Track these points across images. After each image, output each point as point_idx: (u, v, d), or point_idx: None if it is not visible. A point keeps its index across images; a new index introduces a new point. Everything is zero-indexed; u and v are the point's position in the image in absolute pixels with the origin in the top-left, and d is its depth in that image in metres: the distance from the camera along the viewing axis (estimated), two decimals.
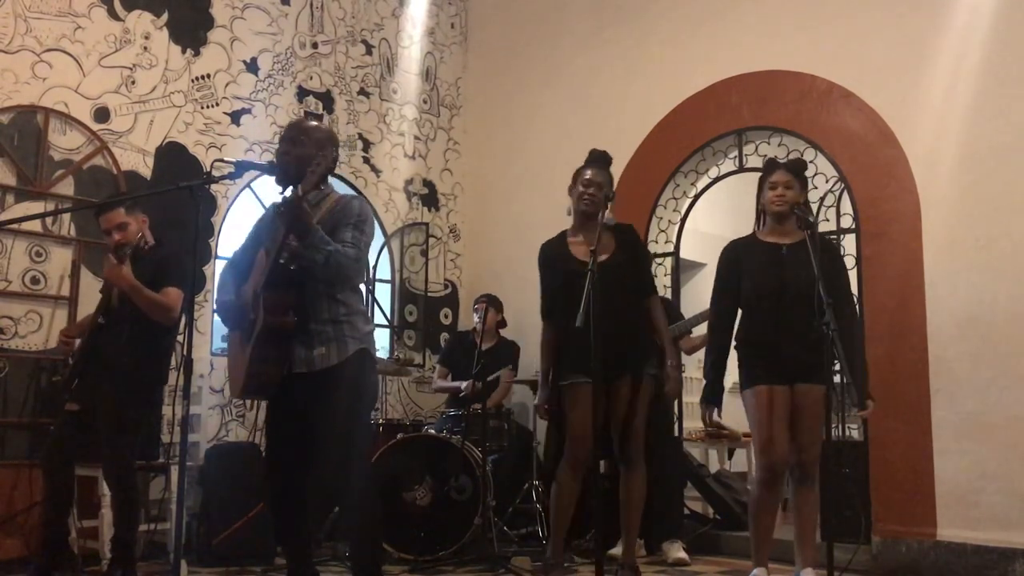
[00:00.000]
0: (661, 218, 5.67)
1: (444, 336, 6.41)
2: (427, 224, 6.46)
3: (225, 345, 5.35)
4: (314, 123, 3.59)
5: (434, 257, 6.52)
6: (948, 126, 4.54)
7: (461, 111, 6.79)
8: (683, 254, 5.74)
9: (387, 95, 6.31)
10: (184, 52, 5.27)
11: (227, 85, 5.43)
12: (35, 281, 4.61)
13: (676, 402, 5.37)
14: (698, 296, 6.06)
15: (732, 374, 3.80)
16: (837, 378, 3.84)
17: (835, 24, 4.98)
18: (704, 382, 3.81)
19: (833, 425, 3.81)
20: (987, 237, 4.38)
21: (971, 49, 4.50)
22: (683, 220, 5.68)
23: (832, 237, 4.98)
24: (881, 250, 4.70)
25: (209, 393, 5.16)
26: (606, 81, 6.00)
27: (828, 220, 5.06)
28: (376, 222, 5.77)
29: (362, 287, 3.47)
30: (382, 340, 6.12)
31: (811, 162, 5.02)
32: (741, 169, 5.36)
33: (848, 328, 3.58)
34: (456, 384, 5.50)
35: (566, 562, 4.38)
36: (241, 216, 5.34)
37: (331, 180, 3.44)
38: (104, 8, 4.96)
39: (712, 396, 3.75)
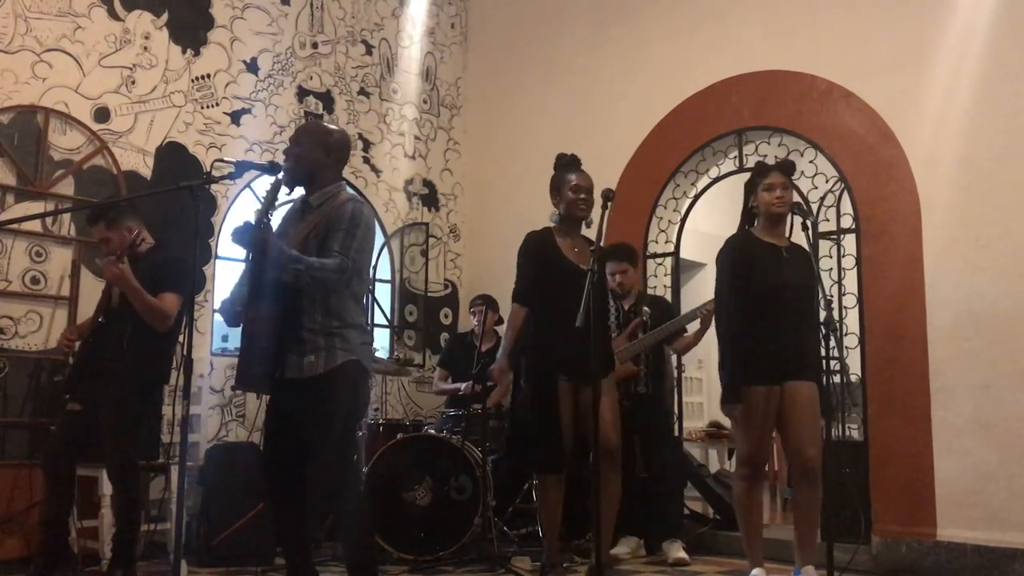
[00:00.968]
0: (661, 218, 5.67)
1: (444, 336, 6.41)
2: (427, 224, 6.46)
3: (225, 345, 5.37)
4: (317, 124, 3.59)
5: (434, 257, 6.52)
6: (948, 126, 4.54)
7: (461, 111, 6.80)
8: (683, 254, 5.74)
9: (387, 95, 6.31)
10: (184, 52, 5.27)
11: (227, 85, 5.43)
12: (35, 281, 4.61)
13: (676, 402, 5.38)
14: (698, 296, 6.04)
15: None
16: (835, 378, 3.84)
17: (835, 24, 4.98)
18: (727, 381, 3.68)
19: (833, 425, 3.80)
20: (987, 237, 4.38)
21: (971, 49, 4.50)
22: (683, 220, 5.67)
23: (832, 237, 4.99)
24: (881, 250, 4.70)
25: (209, 393, 5.16)
26: (606, 81, 6.00)
27: (828, 220, 5.06)
28: (376, 223, 5.77)
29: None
30: (382, 340, 6.12)
31: (811, 162, 5.04)
32: (741, 169, 5.36)
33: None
34: (455, 386, 5.51)
35: (566, 562, 4.39)
36: (241, 216, 5.34)
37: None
38: (104, 8, 4.96)
39: (735, 393, 3.65)
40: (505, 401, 4.83)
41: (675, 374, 5.38)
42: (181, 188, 2.99)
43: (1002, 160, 4.37)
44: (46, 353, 4.57)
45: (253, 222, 3.03)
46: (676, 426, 5.33)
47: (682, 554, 4.60)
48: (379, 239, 6.09)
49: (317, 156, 3.24)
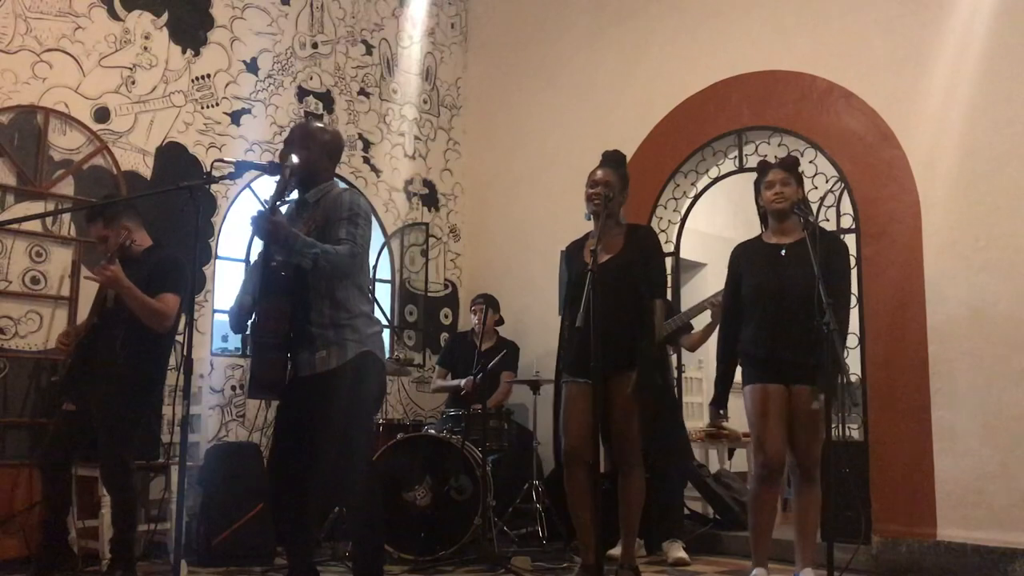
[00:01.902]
0: (661, 218, 5.67)
1: (444, 336, 6.41)
2: (427, 224, 6.47)
3: (225, 345, 5.38)
4: (314, 124, 3.62)
5: (434, 257, 6.52)
6: (948, 126, 4.54)
7: (461, 111, 6.80)
8: (683, 254, 5.74)
9: (387, 95, 6.31)
10: (184, 52, 5.27)
11: (227, 85, 5.43)
12: (35, 281, 4.61)
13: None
14: (698, 296, 6.02)
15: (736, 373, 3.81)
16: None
17: (835, 24, 4.97)
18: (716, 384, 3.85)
19: (833, 425, 3.80)
20: (987, 237, 4.37)
21: (971, 49, 4.50)
22: (683, 220, 5.68)
23: None
24: (881, 250, 4.70)
25: (209, 393, 5.16)
26: (606, 81, 6.00)
27: (828, 220, 5.06)
28: (375, 220, 5.77)
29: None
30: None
31: (811, 162, 5.03)
32: (741, 169, 5.36)
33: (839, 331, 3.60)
34: (456, 382, 5.51)
35: (566, 562, 4.39)
36: (241, 216, 5.34)
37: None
38: (104, 8, 4.96)
39: (720, 401, 3.85)
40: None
41: (675, 374, 5.38)
42: (181, 188, 3.00)
43: (1002, 160, 4.37)
44: (46, 353, 4.57)
45: (266, 210, 3.06)
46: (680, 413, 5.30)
47: (682, 554, 4.59)
48: (379, 239, 6.10)
49: (319, 158, 3.30)
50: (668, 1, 5.78)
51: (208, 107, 5.33)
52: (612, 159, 4.02)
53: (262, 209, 3.08)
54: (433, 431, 4.95)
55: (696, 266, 7.52)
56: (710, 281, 7.12)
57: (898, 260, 4.63)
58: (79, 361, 3.97)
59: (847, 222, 4.92)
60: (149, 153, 5.06)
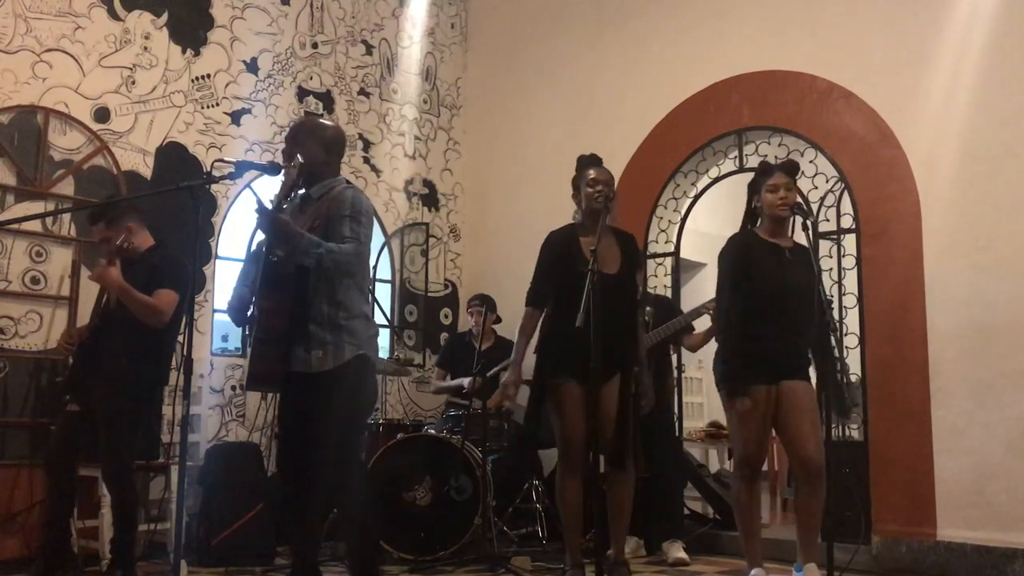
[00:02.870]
0: (661, 218, 5.67)
1: (444, 336, 6.41)
2: (427, 224, 6.46)
3: (225, 345, 5.38)
4: (313, 121, 3.60)
5: (434, 257, 6.52)
6: (948, 126, 4.54)
7: (461, 111, 6.79)
8: (683, 254, 5.74)
9: (387, 95, 6.31)
10: (184, 52, 5.27)
11: (227, 85, 5.43)
12: (35, 281, 4.61)
13: (676, 402, 5.38)
14: (698, 296, 6.04)
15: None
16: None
17: (835, 24, 4.98)
18: (730, 378, 3.70)
19: (833, 425, 3.80)
20: (987, 237, 4.38)
21: (971, 49, 4.50)
22: (683, 220, 5.68)
23: (832, 237, 4.99)
24: (881, 250, 4.70)
25: (209, 393, 5.16)
26: (606, 81, 6.00)
27: (828, 220, 5.06)
28: (375, 219, 5.77)
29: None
30: (382, 340, 6.11)
31: (811, 162, 5.04)
32: (741, 169, 5.36)
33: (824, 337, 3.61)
34: (457, 382, 5.51)
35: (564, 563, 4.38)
36: (241, 216, 5.34)
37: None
38: (104, 8, 4.96)
39: (741, 390, 3.64)
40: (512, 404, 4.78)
41: (675, 374, 5.38)
42: (181, 188, 3.00)
43: (1002, 160, 4.37)
44: (46, 353, 4.57)
45: (273, 209, 3.05)
46: (676, 425, 5.32)
47: (682, 554, 4.60)
48: (379, 239, 6.10)
49: (318, 154, 3.26)
50: (668, 1, 5.78)
51: (208, 107, 5.33)
52: (594, 159, 4.06)
53: (265, 205, 3.07)
54: (433, 431, 4.95)
55: (696, 266, 7.51)
56: (710, 281, 7.05)
57: (898, 260, 4.63)
58: (81, 362, 3.98)
59: (847, 222, 4.92)
60: (149, 153, 5.06)
